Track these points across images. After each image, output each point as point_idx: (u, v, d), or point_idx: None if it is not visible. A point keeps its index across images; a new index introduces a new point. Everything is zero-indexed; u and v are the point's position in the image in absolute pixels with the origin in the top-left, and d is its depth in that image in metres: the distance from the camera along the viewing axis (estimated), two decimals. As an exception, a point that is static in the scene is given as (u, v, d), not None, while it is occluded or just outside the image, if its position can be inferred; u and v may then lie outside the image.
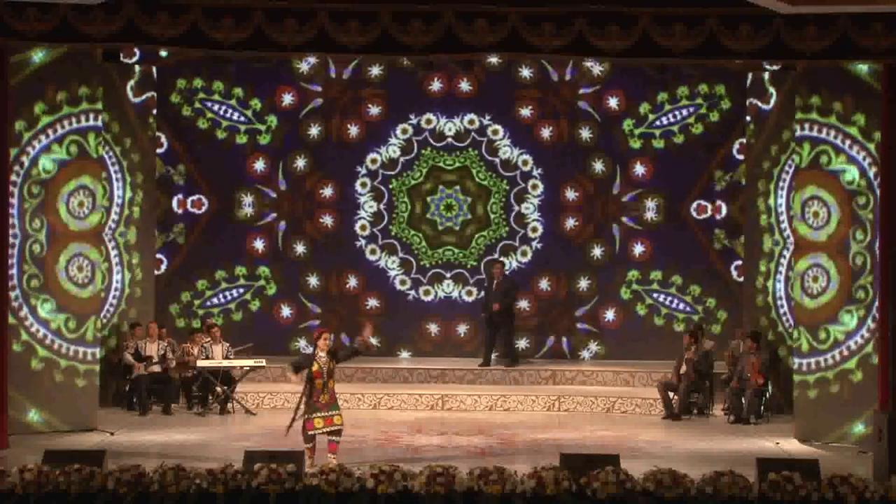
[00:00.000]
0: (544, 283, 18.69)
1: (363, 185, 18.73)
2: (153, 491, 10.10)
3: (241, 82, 18.53)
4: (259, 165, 18.65)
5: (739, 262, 18.08)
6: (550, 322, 18.67)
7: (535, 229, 18.65)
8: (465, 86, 18.55)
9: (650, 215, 18.48)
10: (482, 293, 18.25)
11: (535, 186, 18.63)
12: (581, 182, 18.59)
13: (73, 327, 14.51)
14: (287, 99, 18.61)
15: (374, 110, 18.62)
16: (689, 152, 18.39)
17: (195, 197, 18.60)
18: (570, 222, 18.59)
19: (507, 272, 18.11)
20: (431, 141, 18.71)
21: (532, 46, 13.28)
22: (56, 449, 11.16)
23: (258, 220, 18.71)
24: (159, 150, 18.16)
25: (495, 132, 18.64)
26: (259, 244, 18.70)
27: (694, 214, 18.43)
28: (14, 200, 14.03)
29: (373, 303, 18.70)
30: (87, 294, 14.74)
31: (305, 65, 18.44)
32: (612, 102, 18.46)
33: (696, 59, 14.26)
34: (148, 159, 17.42)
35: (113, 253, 16.48)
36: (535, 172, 18.63)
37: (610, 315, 18.62)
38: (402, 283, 18.79)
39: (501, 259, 18.38)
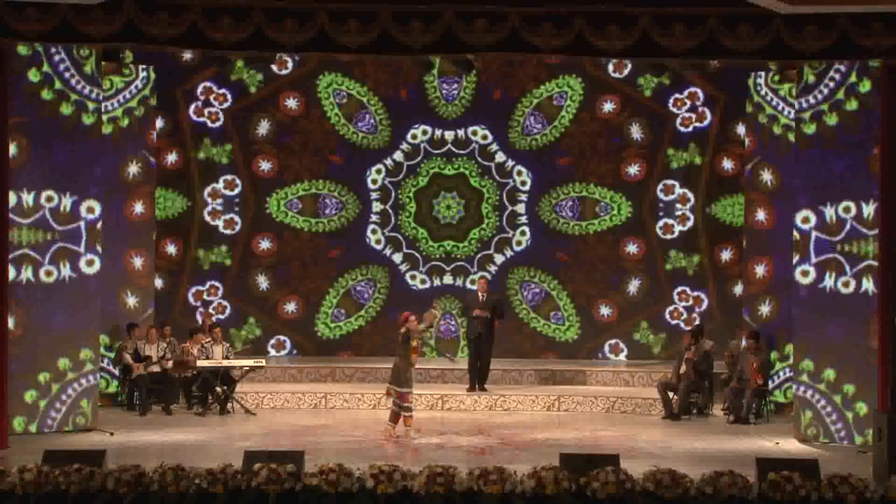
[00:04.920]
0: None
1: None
2: (153, 491, 10.08)
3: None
4: None
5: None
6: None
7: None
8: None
9: (634, 288, 18.92)
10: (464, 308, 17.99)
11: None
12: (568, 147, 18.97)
13: None
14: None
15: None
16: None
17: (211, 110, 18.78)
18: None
19: (489, 288, 17.90)
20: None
21: (532, 46, 13.30)
22: (56, 449, 11.11)
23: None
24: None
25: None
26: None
27: (680, 129, 18.70)
28: None
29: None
30: None
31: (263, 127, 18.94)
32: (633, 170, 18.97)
33: (696, 58, 14.30)
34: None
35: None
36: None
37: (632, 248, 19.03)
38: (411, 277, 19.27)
39: (485, 275, 18.49)
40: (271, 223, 19.08)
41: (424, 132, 19.16)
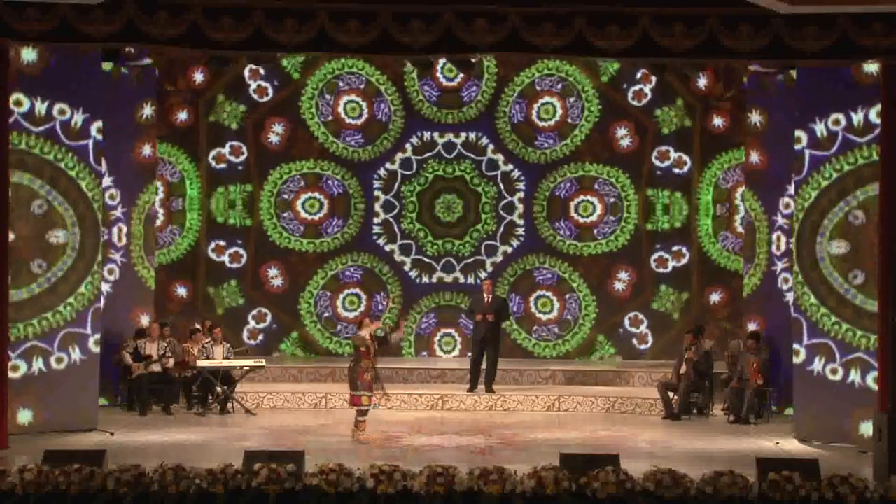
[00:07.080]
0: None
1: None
2: (153, 491, 10.09)
3: None
4: None
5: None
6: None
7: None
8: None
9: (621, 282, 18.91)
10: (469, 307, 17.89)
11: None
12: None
13: None
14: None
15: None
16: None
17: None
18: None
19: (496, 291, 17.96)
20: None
21: (532, 46, 13.30)
22: (56, 449, 11.13)
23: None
24: None
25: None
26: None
27: None
28: None
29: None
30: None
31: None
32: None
33: (696, 59, 14.28)
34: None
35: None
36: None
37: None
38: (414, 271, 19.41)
39: (489, 278, 18.47)
40: (276, 250, 19.13)
41: (419, 136, 19.25)
